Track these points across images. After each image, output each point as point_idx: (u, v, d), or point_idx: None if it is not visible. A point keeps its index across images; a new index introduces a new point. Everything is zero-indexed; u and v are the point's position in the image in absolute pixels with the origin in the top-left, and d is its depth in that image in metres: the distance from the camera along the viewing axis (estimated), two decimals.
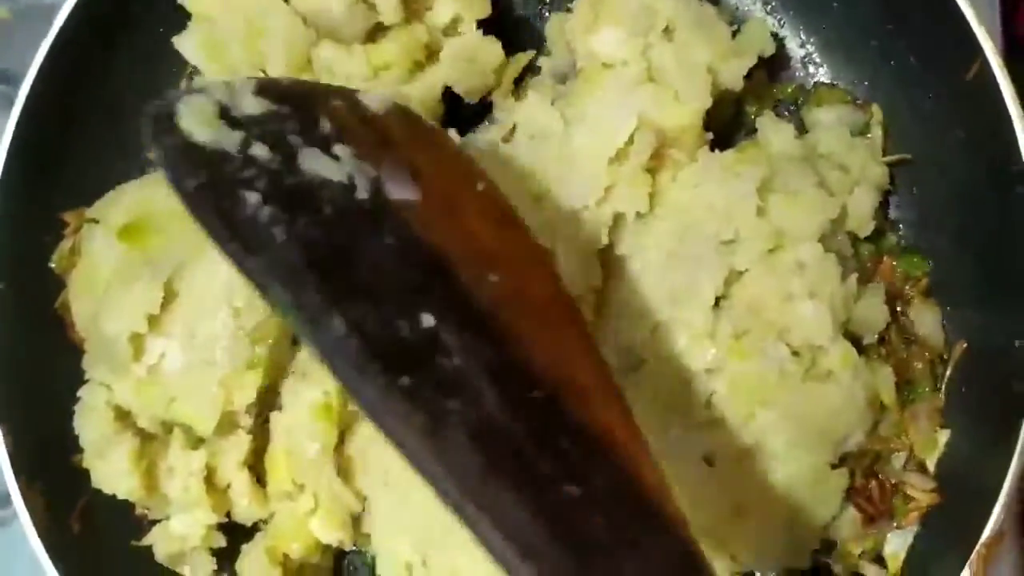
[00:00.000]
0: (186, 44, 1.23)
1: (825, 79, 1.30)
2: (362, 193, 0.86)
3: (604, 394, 0.90)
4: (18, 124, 1.22)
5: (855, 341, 1.13)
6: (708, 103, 1.16)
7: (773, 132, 1.18)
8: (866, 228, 1.17)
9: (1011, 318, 1.07)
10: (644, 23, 1.20)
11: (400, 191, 0.88)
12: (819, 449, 1.10)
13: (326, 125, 0.89)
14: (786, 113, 1.29)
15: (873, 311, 1.14)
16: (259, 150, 0.82)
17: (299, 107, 0.90)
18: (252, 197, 0.77)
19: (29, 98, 1.22)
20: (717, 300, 1.10)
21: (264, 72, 1.18)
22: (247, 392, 1.15)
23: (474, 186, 1.00)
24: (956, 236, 1.18)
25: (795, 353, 1.09)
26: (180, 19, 1.22)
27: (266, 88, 0.89)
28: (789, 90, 1.31)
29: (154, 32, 1.26)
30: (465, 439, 0.76)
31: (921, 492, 1.16)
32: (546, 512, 0.75)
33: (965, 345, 1.17)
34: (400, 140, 0.97)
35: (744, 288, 1.10)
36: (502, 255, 0.96)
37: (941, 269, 1.20)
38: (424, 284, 0.84)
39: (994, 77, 1.05)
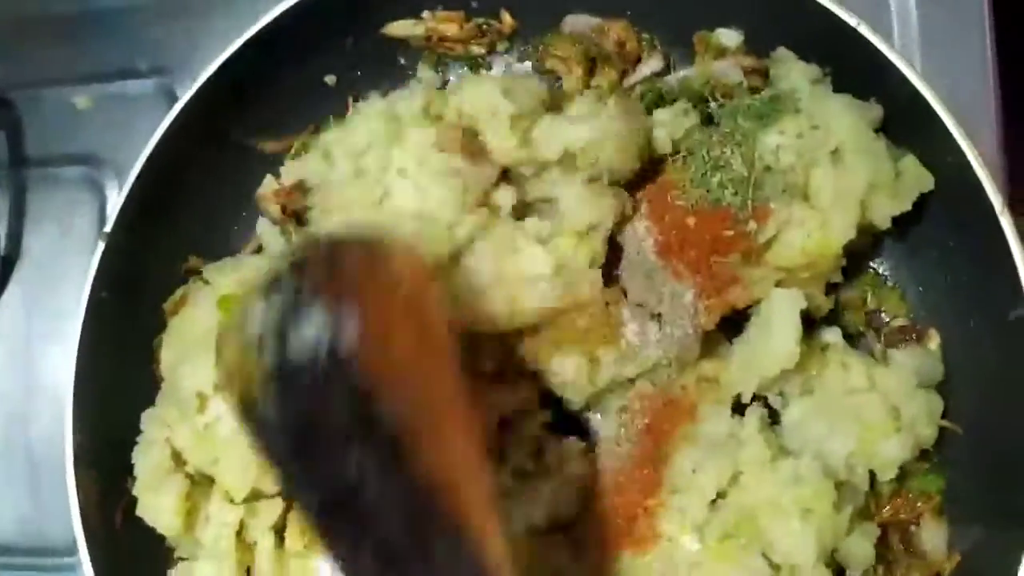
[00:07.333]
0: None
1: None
2: (322, 351, 0.91)
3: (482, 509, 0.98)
4: (139, 177, 1.38)
5: (839, 571, 1.15)
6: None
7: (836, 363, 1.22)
8: (888, 474, 1.18)
9: (1009, 535, 1.10)
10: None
11: (347, 330, 0.92)
12: None
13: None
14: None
15: (861, 550, 1.14)
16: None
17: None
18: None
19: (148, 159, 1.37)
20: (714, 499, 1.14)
21: None
22: None
23: (408, 303, 1.02)
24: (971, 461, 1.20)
25: (775, 567, 1.11)
26: None
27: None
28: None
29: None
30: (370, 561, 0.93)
31: None
32: None
33: (959, 558, 1.18)
34: (352, 275, 0.99)
35: (742, 491, 1.14)
36: (416, 368, 1.00)
37: (954, 487, 1.22)
38: (355, 428, 0.92)
39: None
